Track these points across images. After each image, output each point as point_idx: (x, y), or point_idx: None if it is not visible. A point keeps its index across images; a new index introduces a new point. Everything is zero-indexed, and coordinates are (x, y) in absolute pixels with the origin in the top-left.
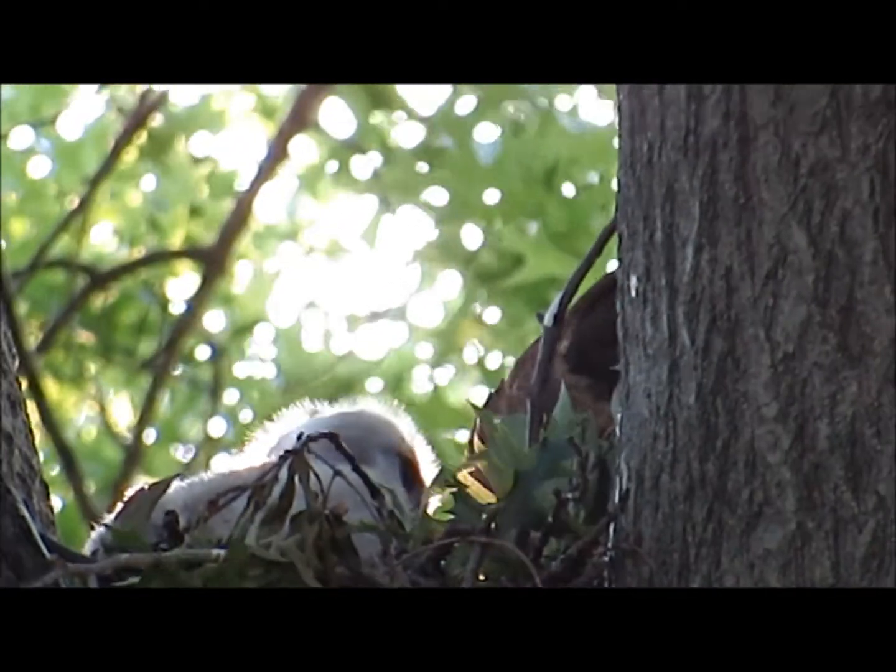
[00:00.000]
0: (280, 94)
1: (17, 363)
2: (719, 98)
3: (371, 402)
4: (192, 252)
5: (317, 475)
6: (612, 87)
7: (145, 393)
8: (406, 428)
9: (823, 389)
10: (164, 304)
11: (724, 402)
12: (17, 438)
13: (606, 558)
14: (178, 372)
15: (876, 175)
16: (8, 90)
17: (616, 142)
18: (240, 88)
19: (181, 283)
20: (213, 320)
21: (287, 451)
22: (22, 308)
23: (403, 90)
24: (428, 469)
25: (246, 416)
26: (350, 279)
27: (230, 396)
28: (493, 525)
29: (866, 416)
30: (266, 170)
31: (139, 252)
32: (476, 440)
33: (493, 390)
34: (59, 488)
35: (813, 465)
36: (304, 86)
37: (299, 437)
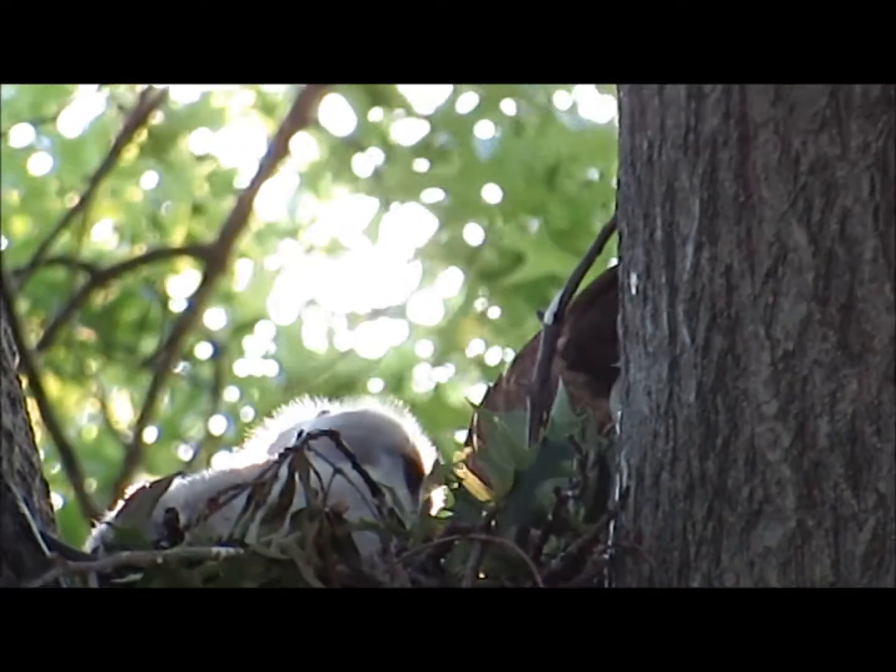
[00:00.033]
0: (280, 91)
1: (17, 361)
2: (719, 97)
3: (375, 402)
4: (192, 249)
5: (317, 473)
6: (612, 85)
7: (146, 391)
8: (410, 428)
9: (823, 387)
10: (164, 301)
11: (725, 400)
12: (17, 436)
13: (607, 556)
14: (179, 369)
15: (876, 173)
16: (8, 88)
17: (616, 138)
18: (240, 86)
19: (182, 281)
20: (214, 318)
21: (287, 449)
22: (23, 305)
23: (404, 88)
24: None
25: (247, 413)
26: (350, 277)
27: (231, 394)
28: (493, 523)
29: (866, 414)
30: (266, 167)
31: (140, 249)
32: (474, 437)
33: (490, 386)
34: (60, 486)
35: (813, 463)
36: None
37: (299, 435)
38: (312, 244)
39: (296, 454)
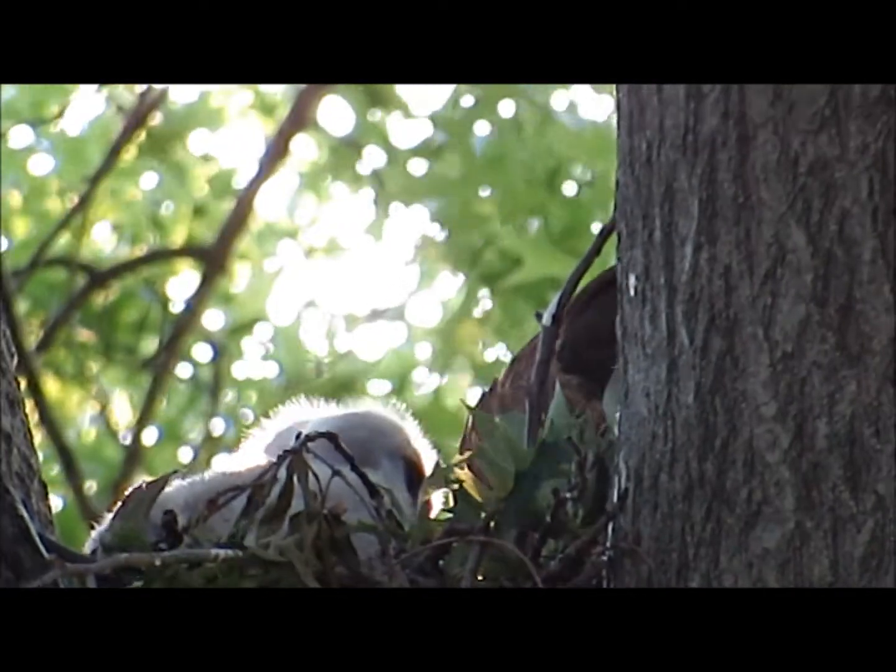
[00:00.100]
0: (279, 91)
1: (15, 362)
2: (718, 97)
3: (376, 405)
4: (192, 251)
5: (315, 475)
6: (610, 84)
7: (145, 392)
8: (412, 431)
9: (822, 388)
10: (164, 302)
11: (723, 402)
12: (15, 438)
13: (605, 558)
14: (178, 371)
15: (875, 174)
16: (8, 88)
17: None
18: (238, 86)
19: (181, 282)
20: (213, 319)
21: (286, 451)
22: (22, 306)
23: (402, 88)
24: None
25: (246, 415)
26: (349, 278)
27: (230, 395)
28: (491, 524)
29: (865, 416)
30: (266, 168)
31: (140, 250)
32: (470, 439)
33: (486, 389)
34: (60, 488)
35: (812, 465)
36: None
37: (298, 437)
38: (312, 245)
39: (294, 456)
